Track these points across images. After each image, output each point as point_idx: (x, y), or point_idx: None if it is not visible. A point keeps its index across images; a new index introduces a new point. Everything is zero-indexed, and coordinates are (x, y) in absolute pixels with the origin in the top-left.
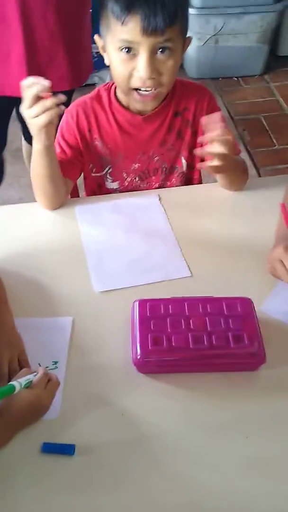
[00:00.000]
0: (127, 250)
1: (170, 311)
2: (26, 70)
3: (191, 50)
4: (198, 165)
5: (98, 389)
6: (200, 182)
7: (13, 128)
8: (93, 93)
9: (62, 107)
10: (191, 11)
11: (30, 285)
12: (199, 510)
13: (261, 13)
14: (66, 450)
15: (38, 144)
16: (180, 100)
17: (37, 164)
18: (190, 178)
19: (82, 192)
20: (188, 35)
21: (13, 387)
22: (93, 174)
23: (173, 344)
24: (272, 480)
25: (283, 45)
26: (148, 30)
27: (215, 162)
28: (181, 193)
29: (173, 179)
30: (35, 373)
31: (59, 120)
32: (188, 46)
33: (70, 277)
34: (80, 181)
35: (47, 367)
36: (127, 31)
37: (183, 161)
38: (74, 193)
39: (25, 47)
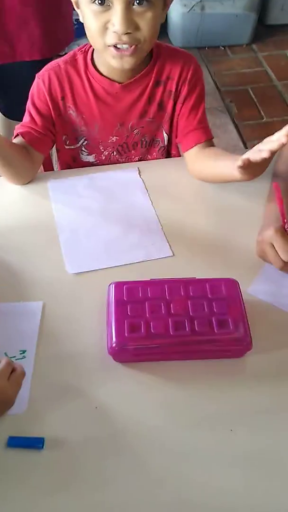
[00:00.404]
0: (104, 229)
1: (149, 294)
2: None
3: (176, 17)
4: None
5: (70, 380)
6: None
7: None
8: (67, 56)
9: None
10: None
11: None
12: (181, 508)
13: None
14: (35, 443)
15: None
16: (163, 68)
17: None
18: (170, 152)
19: (56, 164)
20: (173, 2)
21: None
22: (67, 147)
23: (152, 331)
24: (260, 473)
25: (271, 14)
26: None
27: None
28: (162, 166)
29: (154, 153)
30: None
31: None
32: (171, 2)
33: (41, 258)
34: (54, 151)
35: (14, 357)
36: None
37: (164, 134)
38: (47, 166)
39: None
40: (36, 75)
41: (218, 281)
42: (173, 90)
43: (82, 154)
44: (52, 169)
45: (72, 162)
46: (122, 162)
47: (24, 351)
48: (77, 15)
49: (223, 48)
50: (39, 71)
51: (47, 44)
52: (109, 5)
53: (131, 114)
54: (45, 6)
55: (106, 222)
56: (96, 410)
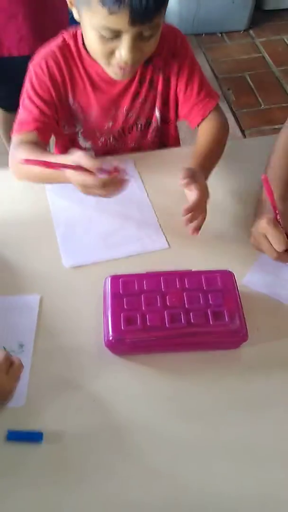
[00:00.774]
0: (100, 222)
1: (145, 287)
2: None
3: (173, 3)
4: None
5: (68, 373)
6: (177, 138)
7: None
8: (58, 41)
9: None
10: None
11: None
12: (178, 501)
13: None
14: (34, 437)
15: (67, 182)
16: None
17: (46, 179)
18: (166, 134)
19: (53, 150)
20: None
21: None
22: (65, 132)
23: (148, 323)
24: (257, 463)
25: None
26: (137, 21)
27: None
28: (158, 157)
29: (149, 136)
30: None
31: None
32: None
33: (38, 251)
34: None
35: (12, 350)
36: (112, 21)
37: (157, 113)
38: None
39: None
40: (31, 64)
41: (214, 273)
42: (161, 66)
43: (79, 138)
44: None
45: (71, 144)
46: (119, 147)
47: (22, 345)
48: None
49: (220, 34)
50: None
51: (36, 39)
52: (118, 34)
53: (124, 97)
54: (33, 1)
55: (102, 215)
56: (94, 402)
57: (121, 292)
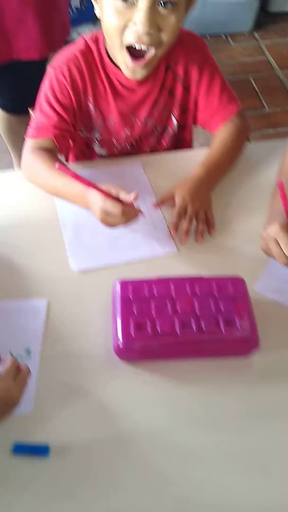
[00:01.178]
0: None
1: (155, 293)
2: None
3: None
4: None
5: (76, 380)
6: (190, 142)
7: None
8: (81, 45)
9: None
10: None
11: (0, 263)
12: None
13: None
14: (40, 451)
15: (81, 204)
16: (170, 52)
17: (59, 193)
18: (181, 139)
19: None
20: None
21: None
22: (82, 135)
23: (158, 330)
24: (266, 473)
25: (274, 1)
26: None
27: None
28: (167, 160)
29: (164, 142)
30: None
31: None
32: (192, 7)
33: (45, 255)
34: None
35: (19, 356)
36: None
37: (174, 120)
38: None
39: None
40: (52, 67)
41: (225, 280)
42: (181, 74)
43: (95, 145)
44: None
45: (87, 149)
46: (133, 153)
47: (29, 350)
48: (76, 2)
49: (224, 36)
50: (40, 68)
51: (45, 43)
52: (133, 3)
53: (144, 105)
54: (43, 5)
55: None
56: (102, 410)
57: (130, 297)
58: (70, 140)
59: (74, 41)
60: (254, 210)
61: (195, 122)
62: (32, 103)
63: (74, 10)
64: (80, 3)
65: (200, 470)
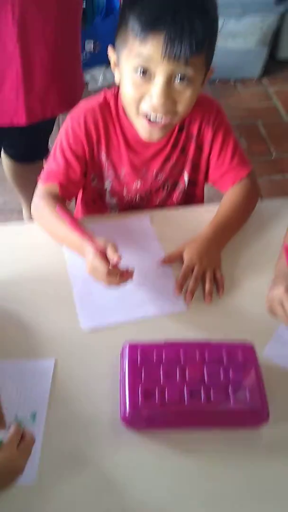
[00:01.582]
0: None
1: (164, 358)
2: (24, 96)
3: None
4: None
5: (81, 448)
6: (202, 199)
7: None
8: (99, 98)
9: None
10: None
11: (7, 320)
12: None
13: (262, 15)
14: None
15: (80, 254)
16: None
17: (61, 240)
18: (192, 195)
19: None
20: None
21: None
22: (94, 184)
23: (166, 399)
24: None
25: (283, 49)
26: (171, 55)
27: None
28: (175, 215)
29: (174, 197)
30: (6, 430)
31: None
32: (209, 77)
33: (54, 311)
34: None
35: (23, 420)
36: (145, 49)
37: (186, 177)
38: None
39: (22, 69)
40: (70, 116)
41: (234, 346)
42: (195, 134)
43: (106, 194)
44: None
45: (99, 198)
46: (143, 206)
47: (34, 414)
48: (90, 47)
49: (233, 82)
50: (53, 122)
51: (69, 98)
52: (150, 77)
53: (156, 160)
54: (70, 58)
55: None
56: (107, 482)
57: (139, 362)
58: (79, 189)
59: (86, 83)
60: (264, 270)
61: (206, 181)
62: (41, 153)
63: (88, 53)
64: (93, 47)
65: None
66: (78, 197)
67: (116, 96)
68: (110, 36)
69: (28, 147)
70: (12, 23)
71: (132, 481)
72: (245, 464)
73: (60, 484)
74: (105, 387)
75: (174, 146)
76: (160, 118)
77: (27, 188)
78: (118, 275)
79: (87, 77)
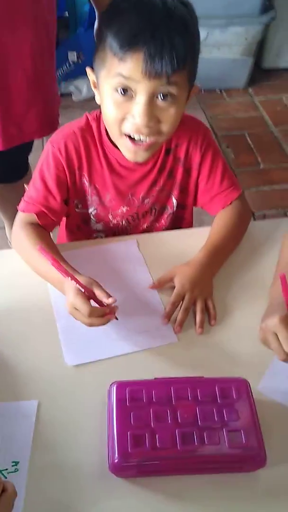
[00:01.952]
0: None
1: (154, 398)
2: (1, 122)
3: None
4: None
5: (66, 497)
6: (191, 223)
7: None
8: (81, 122)
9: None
10: None
11: None
12: None
13: (246, 25)
14: None
15: (59, 289)
16: (171, 136)
17: (40, 274)
18: (180, 218)
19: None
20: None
21: None
22: (78, 210)
23: (158, 444)
24: None
25: (268, 58)
26: (152, 72)
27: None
28: (163, 239)
29: (162, 220)
30: None
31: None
32: (194, 95)
33: (37, 347)
34: None
35: (5, 469)
36: (125, 68)
37: (174, 201)
38: None
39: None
40: (50, 142)
41: (227, 382)
42: (182, 157)
43: (91, 221)
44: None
45: (83, 225)
46: (130, 230)
47: (16, 462)
48: (73, 57)
49: (219, 91)
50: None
51: (47, 123)
52: (131, 96)
53: (142, 185)
54: (46, 85)
55: None
56: None
57: (127, 402)
58: (60, 217)
59: (70, 93)
60: (256, 298)
61: (195, 204)
62: (20, 173)
63: (71, 63)
64: (77, 57)
65: None
66: (61, 224)
67: (99, 119)
68: (93, 46)
69: (6, 168)
70: None
71: None
72: (242, 508)
73: None
74: (92, 430)
75: (161, 170)
76: (144, 138)
77: (8, 208)
78: (101, 315)
79: (71, 87)
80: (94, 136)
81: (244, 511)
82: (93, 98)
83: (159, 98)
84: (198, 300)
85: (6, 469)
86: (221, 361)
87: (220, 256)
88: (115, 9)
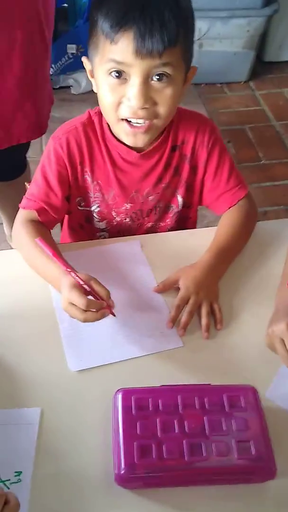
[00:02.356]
0: (108, 317)
1: (160, 407)
2: None
3: None
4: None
5: (72, 510)
6: (195, 222)
7: None
8: (83, 117)
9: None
10: None
11: None
12: None
13: (248, 17)
14: None
15: (55, 287)
16: (177, 132)
17: (38, 271)
18: (185, 217)
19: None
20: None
21: None
22: (81, 208)
23: (165, 455)
24: None
25: (270, 51)
26: (143, 51)
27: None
28: (167, 240)
29: (167, 219)
30: None
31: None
32: (192, 77)
33: (40, 352)
34: None
35: (8, 480)
36: (117, 51)
37: (179, 199)
38: None
39: None
40: (52, 137)
41: (235, 390)
42: (188, 154)
43: (94, 219)
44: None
45: (86, 224)
46: (134, 229)
47: (19, 473)
48: (72, 49)
49: (220, 85)
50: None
51: (38, 125)
52: (126, 79)
53: (147, 181)
54: (37, 86)
55: None
56: None
57: (133, 411)
58: (61, 214)
59: (69, 86)
60: (264, 302)
61: (200, 203)
62: (18, 171)
63: (70, 55)
64: (76, 49)
65: None
66: (64, 223)
67: (100, 114)
68: None
69: (3, 166)
70: None
71: None
72: None
73: None
74: (97, 438)
75: (167, 166)
76: (141, 123)
77: (7, 205)
78: (98, 308)
79: (70, 81)
80: (96, 131)
81: None
82: (92, 91)
83: (154, 79)
84: (204, 303)
85: (9, 480)
86: (227, 366)
87: (227, 257)
88: None
